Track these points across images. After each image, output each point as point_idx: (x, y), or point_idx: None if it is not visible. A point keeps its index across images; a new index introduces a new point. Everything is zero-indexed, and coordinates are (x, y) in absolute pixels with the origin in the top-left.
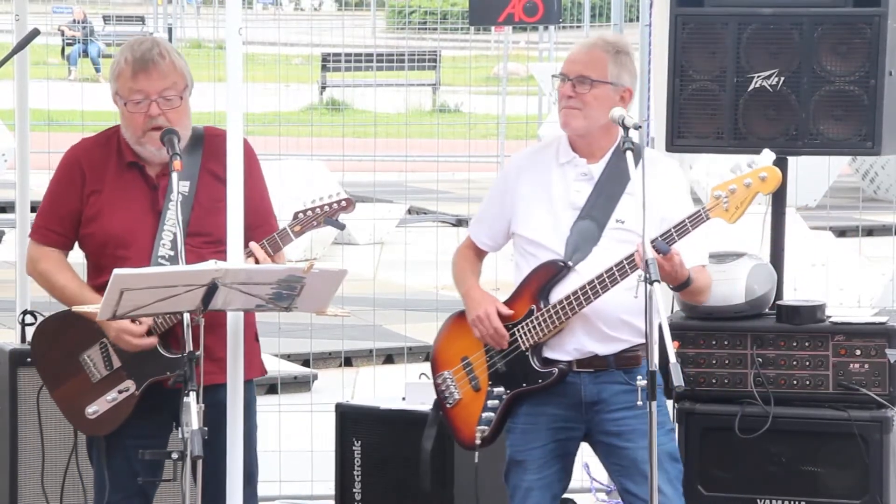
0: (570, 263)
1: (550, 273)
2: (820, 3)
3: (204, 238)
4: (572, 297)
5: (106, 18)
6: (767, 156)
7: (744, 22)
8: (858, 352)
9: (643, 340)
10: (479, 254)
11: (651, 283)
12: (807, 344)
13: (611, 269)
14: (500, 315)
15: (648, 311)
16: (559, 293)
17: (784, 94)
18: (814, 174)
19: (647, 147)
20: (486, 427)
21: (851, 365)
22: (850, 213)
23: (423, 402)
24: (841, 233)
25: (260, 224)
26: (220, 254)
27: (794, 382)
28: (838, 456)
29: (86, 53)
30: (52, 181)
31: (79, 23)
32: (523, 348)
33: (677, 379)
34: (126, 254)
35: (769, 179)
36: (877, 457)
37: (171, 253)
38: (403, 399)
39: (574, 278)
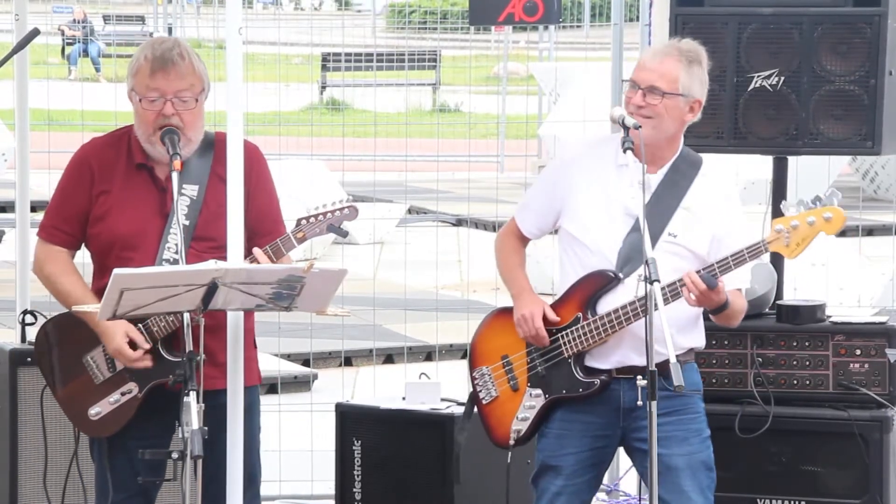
0: (620, 276)
1: (600, 283)
2: (820, 2)
3: (209, 243)
4: (621, 312)
5: (106, 18)
6: (835, 195)
7: (744, 21)
8: (858, 351)
9: (679, 352)
10: (524, 240)
11: (651, 283)
12: (807, 344)
13: (663, 288)
14: (546, 319)
15: (648, 312)
16: (607, 304)
17: (784, 94)
18: (814, 174)
19: (706, 160)
20: (523, 427)
21: (851, 364)
22: (850, 213)
23: (423, 401)
24: (841, 233)
25: (269, 231)
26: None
27: (795, 382)
28: (838, 456)
29: (86, 53)
30: (61, 180)
31: (79, 22)
32: (566, 355)
33: (677, 379)
34: (132, 255)
35: (834, 220)
36: (877, 456)
37: (176, 257)
38: (403, 399)
39: (622, 291)
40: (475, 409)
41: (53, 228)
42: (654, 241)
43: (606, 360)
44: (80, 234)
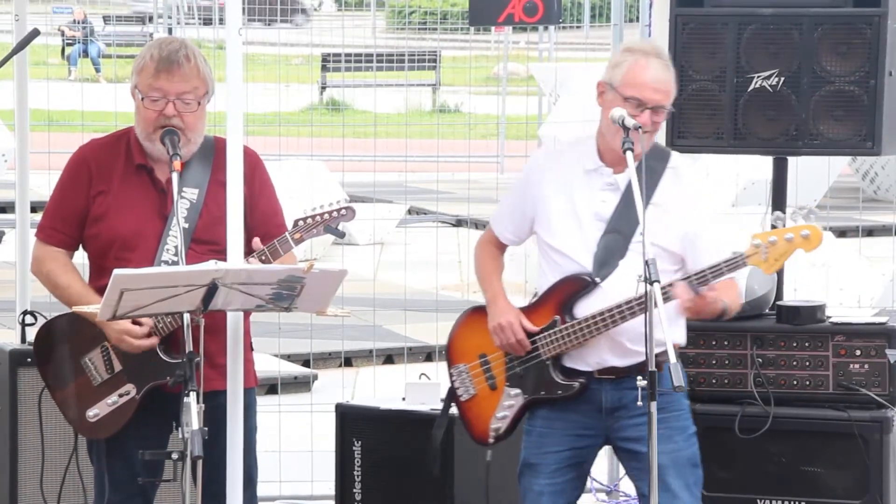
0: (597, 280)
1: (576, 287)
2: (820, 3)
3: (210, 246)
4: (598, 318)
5: (106, 19)
6: (812, 213)
7: (744, 22)
8: (858, 352)
9: (662, 348)
10: (501, 247)
11: (651, 284)
12: (807, 344)
13: (641, 297)
14: (523, 327)
15: (648, 312)
16: (584, 308)
17: (784, 95)
18: (814, 174)
19: (674, 153)
20: (501, 425)
21: (851, 365)
22: (850, 214)
23: (423, 402)
24: (841, 233)
25: (274, 235)
26: None
27: (794, 383)
28: (838, 456)
29: (86, 54)
30: (59, 181)
31: (79, 23)
32: (544, 357)
33: (677, 379)
34: (130, 256)
35: (811, 238)
36: (877, 457)
37: (175, 259)
38: (403, 399)
39: (600, 294)
40: (452, 406)
41: (51, 229)
42: (626, 243)
43: (584, 361)
44: (78, 235)
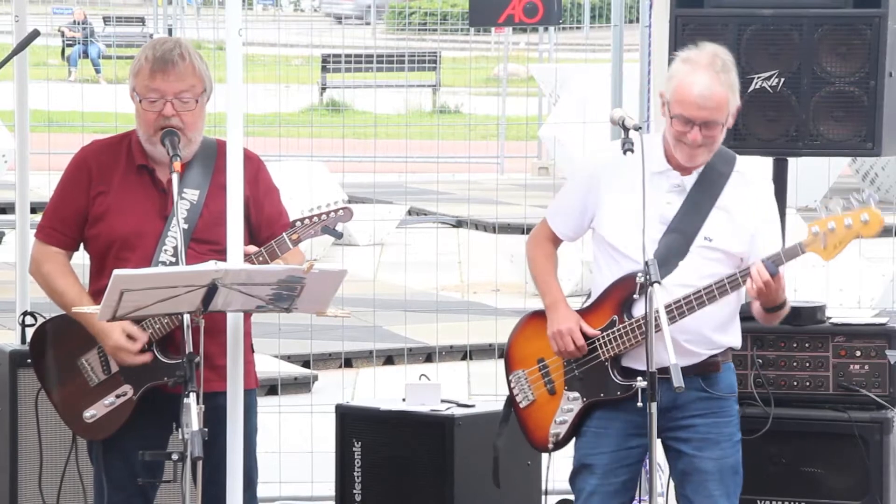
0: (646, 276)
1: (633, 286)
2: (820, 4)
3: (210, 246)
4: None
5: (106, 19)
6: (872, 197)
7: (744, 23)
8: (858, 353)
9: (717, 350)
10: (557, 242)
11: (651, 285)
12: (807, 345)
13: (699, 291)
14: (583, 332)
15: (648, 313)
16: (643, 308)
17: (784, 95)
18: (814, 175)
19: (739, 157)
20: (561, 430)
21: (851, 366)
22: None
23: (423, 403)
24: None
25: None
26: None
27: (795, 383)
28: (838, 457)
29: (86, 54)
30: (60, 181)
31: (79, 24)
32: (602, 358)
33: (677, 380)
34: (129, 256)
35: (871, 223)
36: (877, 458)
37: (173, 259)
38: (403, 400)
39: (659, 292)
40: (512, 413)
41: (51, 229)
42: (688, 244)
43: (642, 361)
44: (78, 236)
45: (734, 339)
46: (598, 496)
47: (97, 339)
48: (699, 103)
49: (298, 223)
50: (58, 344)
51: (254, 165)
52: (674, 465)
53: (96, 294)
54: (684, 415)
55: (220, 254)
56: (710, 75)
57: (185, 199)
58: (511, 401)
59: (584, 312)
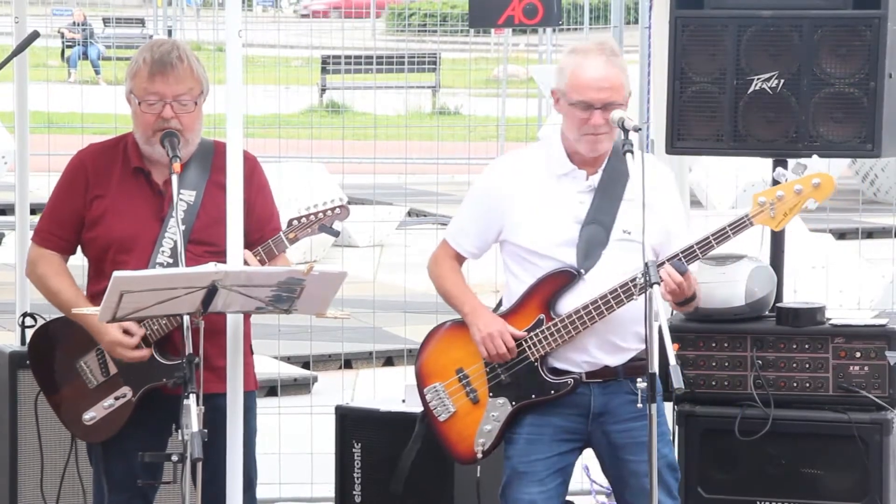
0: (581, 271)
1: (561, 282)
2: (820, 5)
3: (207, 247)
4: (583, 312)
5: (106, 21)
6: (817, 161)
7: (743, 24)
8: (858, 354)
9: (643, 346)
10: (460, 260)
11: (651, 286)
12: (807, 346)
13: (626, 283)
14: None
15: (648, 314)
16: (569, 303)
17: (784, 97)
18: None
19: (647, 152)
20: (487, 440)
21: (851, 367)
22: (849, 216)
23: None
24: (841, 235)
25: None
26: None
27: (794, 385)
28: (838, 458)
29: (86, 56)
30: (56, 185)
31: (78, 25)
32: (532, 359)
33: (677, 381)
34: (126, 258)
35: (823, 186)
36: (877, 459)
37: (171, 260)
38: (403, 401)
39: (583, 287)
40: (428, 429)
41: (48, 233)
42: (608, 232)
43: (572, 361)
44: (74, 239)
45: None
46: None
47: (94, 336)
48: (597, 85)
49: (295, 222)
50: (56, 346)
51: (248, 165)
52: (609, 471)
53: (94, 297)
54: (616, 419)
55: (217, 255)
56: (603, 59)
57: (183, 201)
58: (425, 417)
59: (505, 316)
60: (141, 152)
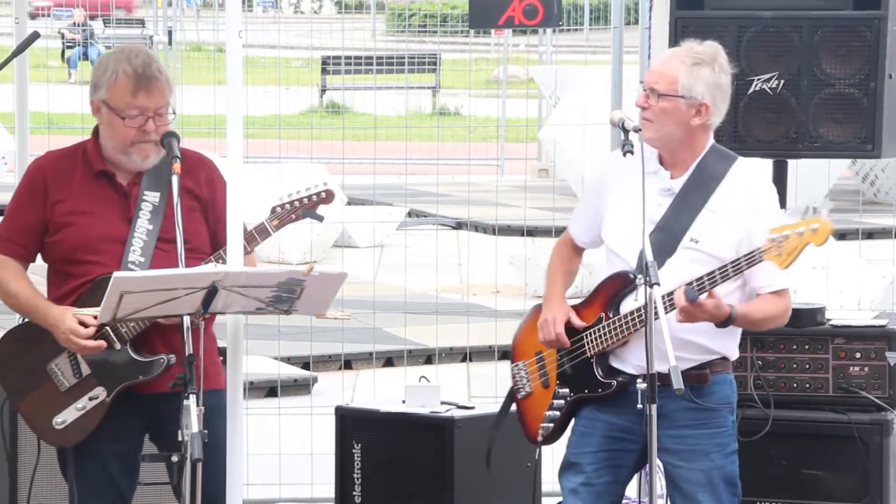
0: (638, 276)
1: (621, 284)
2: (820, 5)
3: (175, 245)
4: (636, 313)
5: (106, 21)
6: (825, 206)
7: (744, 25)
8: (858, 355)
9: (710, 357)
10: (577, 250)
11: (651, 287)
12: (807, 347)
13: (671, 292)
14: (571, 324)
15: (648, 314)
16: (629, 305)
17: (784, 97)
18: (814, 177)
19: (741, 158)
20: (550, 425)
21: (851, 368)
22: (849, 216)
23: (423, 404)
24: (841, 236)
25: (223, 241)
26: (194, 260)
27: (794, 385)
28: (838, 459)
29: (86, 56)
30: (15, 193)
31: (79, 25)
32: (588, 355)
33: (677, 382)
34: (97, 260)
35: (819, 231)
36: (877, 460)
37: (142, 259)
38: (403, 402)
39: (643, 292)
40: (513, 404)
41: (7, 240)
42: (674, 246)
43: (628, 362)
44: (35, 247)
45: (726, 347)
46: (582, 495)
47: (52, 330)
48: (651, 66)
49: (279, 209)
50: (24, 351)
51: (207, 168)
52: (665, 476)
53: (56, 301)
54: (670, 425)
55: (188, 251)
56: (678, 51)
57: (147, 202)
58: (512, 392)
59: (577, 308)
60: (103, 156)
